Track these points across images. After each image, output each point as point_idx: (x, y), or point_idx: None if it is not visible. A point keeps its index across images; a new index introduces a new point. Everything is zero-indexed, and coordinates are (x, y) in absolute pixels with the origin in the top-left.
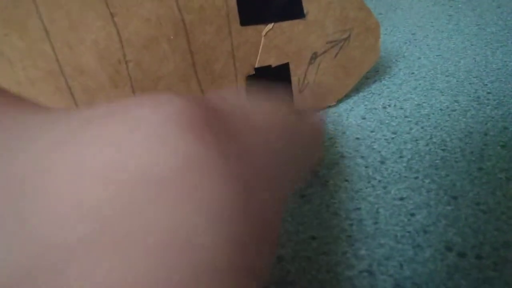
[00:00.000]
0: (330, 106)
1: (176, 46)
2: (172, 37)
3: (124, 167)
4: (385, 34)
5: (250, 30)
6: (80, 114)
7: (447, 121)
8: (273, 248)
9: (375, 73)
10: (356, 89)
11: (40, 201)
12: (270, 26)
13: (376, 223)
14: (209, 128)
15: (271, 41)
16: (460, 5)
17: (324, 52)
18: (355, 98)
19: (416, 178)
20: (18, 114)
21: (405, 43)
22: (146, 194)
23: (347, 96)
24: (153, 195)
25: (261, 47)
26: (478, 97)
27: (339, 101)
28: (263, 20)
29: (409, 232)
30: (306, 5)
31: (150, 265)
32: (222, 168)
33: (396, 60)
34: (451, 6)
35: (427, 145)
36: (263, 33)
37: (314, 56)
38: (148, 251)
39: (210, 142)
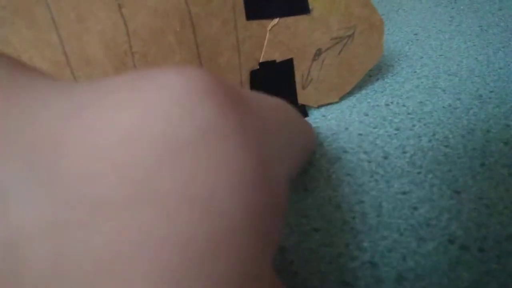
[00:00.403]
0: (332, 103)
1: (182, 38)
2: (178, 29)
3: (151, 129)
4: (388, 34)
5: (256, 24)
6: (105, 81)
7: (449, 118)
8: (283, 220)
9: (378, 71)
10: (359, 87)
11: (74, 159)
12: (275, 21)
13: (379, 216)
14: (229, 98)
15: (276, 36)
16: (462, 7)
17: (328, 48)
18: (357, 95)
19: (419, 173)
20: (38, 81)
21: (408, 43)
22: (171, 156)
23: (350, 93)
24: (177, 157)
25: (266, 41)
26: (481, 96)
27: (342, 98)
28: (269, 14)
29: (412, 225)
30: (311, 1)
31: (187, 221)
32: (240, 136)
33: (398, 59)
34: (453, 8)
35: (429, 141)
36: (268, 28)
37: (318, 52)
38: (185, 209)
39: (229, 112)
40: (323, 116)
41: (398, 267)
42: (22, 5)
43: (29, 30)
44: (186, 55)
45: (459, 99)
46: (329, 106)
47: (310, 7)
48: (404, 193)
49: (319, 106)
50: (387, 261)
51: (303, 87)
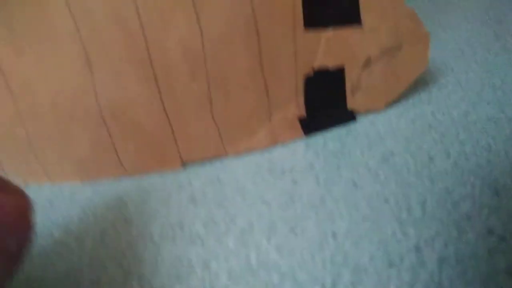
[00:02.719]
0: (380, 110)
1: (248, 45)
2: (245, 36)
3: None
4: (435, 50)
5: (312, 35)
6: None
7: (492, 128)
8: None
9: (424, 83)
10: (406, 97)
11: None
12: (330, 32)
13: (423, 209)
14: None
15: (329, 46)
16: (508, 26)
17: (377, 58)
18: (404, 104)
19: (462, 174)
20: None
21: (454, 59)
22: None
23: (396, 102)
24: None
25: (320, 51)
26: None
27: (389, 105)
28: (325, 23)
29: (454, 218)
30: (363, 14)
31: None
32: None
33: (444, 74)
34: (499, 27)
35: (473, 147)
36: (323, 38)
37: (368, 62)
38: None
39: None
40: (372, 122)
41: (441, 252)
42: (115, 10)
43: (121, 33)
44: (250, 60)
45: (503, 111)
46: (376, 114)
47: (362, 19)
48: (447, 191)
49: (367, 113)
50: (430, 247)
51: (353, 94)
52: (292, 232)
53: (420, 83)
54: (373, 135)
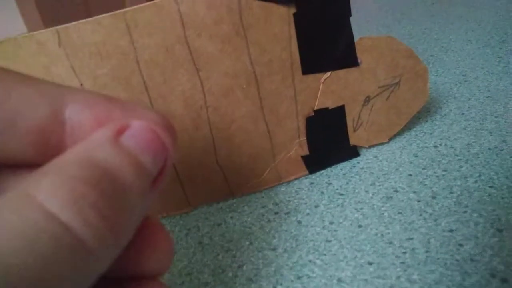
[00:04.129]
0: (383, 143)
1: (248, 94)
2: (244, 86)
3: None
4: (437, 75)
5: (311, 77)
6: None
7: (495, 160)
8: None
9: (426, 113)
10: (408, 128)
11: None
12: (328, 74)
13: (427, 251)
14: None
15: (328, 87)
16: (510, 47)
17: (377, 95)
18: (407, 136)
19: (465, 212)
20: None
21: (456, 84)
22: None
23: (400, 134)
24: None
25: (319, 92)
26: None
27: (391, 138)
28: (322, 69)
29: (457, 260)
30: (360, 55)
31: None
32: None
33: (447, 101)
34: (501, 48)
35: (475, 182)
36: (322, 80)
37: (367, 99)
38: None
39: None
40: (375, 157)
41: None
42: (120, 73)
43: (125, 92)
44: (251, 107)
45: (504, 141)
46: (380, 147)
47: (359, 60)
48: (450, 230)
49: (370, 147)
50: None
51: (354, 130)
52: (298, 279)
53: (422, 112)
54: (377, 171)
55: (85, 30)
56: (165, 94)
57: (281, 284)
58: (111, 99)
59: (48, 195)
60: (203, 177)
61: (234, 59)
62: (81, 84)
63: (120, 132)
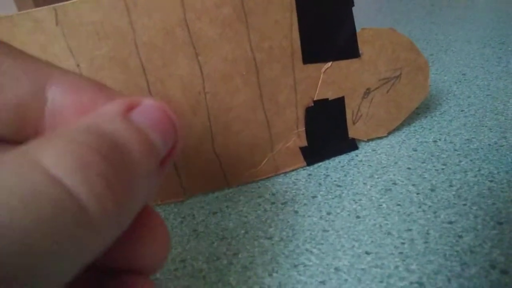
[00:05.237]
0: (381, 137)
1: (247, 81)
2: (244, 73)
3: None
4: (436, 74)
5: (311, 67)
6: None
7: (494, 155)
8: None
9: (426, 109)
10: (408, 123)
11: None
12: (329, 64)
13: (426, 242)
14: None
15: (329, 77)
16: (510, 48)
17: (377, 88)
18: (406, 131)
19: (464, 205)
20: None
21: (456, 82)
22: None
23: (399, 129)
24: None
25: (320, 82)
26: None
27: (391, 133)
28: (323, 59)
29: (457, 251)
30: (361, 46)
31: None
32: None
33: (446, 98)
34: (501, 49)
35: (475, 176)
36: (323, 70)
37: (368, 91)
38: None
39: None
40: (373, 150)
41: None
42: (118, 54)
43: (123, 74)
44: (250, 94)
45: (504, 137)
46: (379, 141)
47: (360, 51)
48: (450, 222)
49: (369, 140)
50: (433, 282)
51: (354, 122)
52: (294, 268)
53: (422, 109)
54: (375, 164)
55: (83, 9)
56: (163, 78)
57: (277, 272)
58: (102, 87)
59: (53, 159)
60: (199, 165)
61: (234, 44)
62: (78, 65)
63: (130, 108)
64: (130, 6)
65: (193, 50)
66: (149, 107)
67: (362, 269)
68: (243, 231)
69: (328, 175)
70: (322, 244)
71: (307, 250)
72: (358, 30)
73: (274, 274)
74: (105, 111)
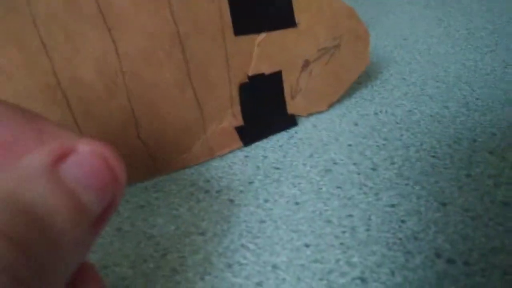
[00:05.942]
0: (322, 112)
1: (171, 57)
2: (167, 47)
3: None
4: (377, 38)
5: (244, 39)
6: None
7: (437, 127)
8: None
9: (367, 78)
10: (348, 95)
11: None
12: (263, 35)
13: (368, 230)
14: None
15: (264, 50)
16: (450, 9)
17: (316, 59)
18: (347, 103)
19: (407, 185)
20: None
21: (397, 47)
22: None
23: (339, 101)
24: None
25: (254, 56)
26: (467, 103)
27: (331, 106)
28: (256, 29)
29: (400, 239)
30: (298, 15)
31: None
32: None
33: (387, 65)
34: (442, 10)
35: (417, 151)
36: (257, 42)
37: (306, 63)
38: None
39: None
40: (314, 126)
41: (387, 282)
42: (12, 29)
43: (20, 53)
44: (176, 72)
45: (446, 107)
46: (319, 116)
47: (297, 20)
48: (392, 205)
49: (309, 115)
50: (377, 277)
51: (292, 97)
52: (228, 268)
53: (363, 77)
54: (316, 141)
55: None
56: (69, 55)
57: (209, 274)
58: (30, 117)
59: None
60: (123, 154)
61: (152, 16)
62: None
63: (61, 157)
64: None
65: (104, 22)
66: (84, 156)
67: (301, 265)
68: (173, 227)
69: (266, 157)
70: (258, 237)
71: (242, 246)
72: None
73: (206, 277)
74: (29, 164)
